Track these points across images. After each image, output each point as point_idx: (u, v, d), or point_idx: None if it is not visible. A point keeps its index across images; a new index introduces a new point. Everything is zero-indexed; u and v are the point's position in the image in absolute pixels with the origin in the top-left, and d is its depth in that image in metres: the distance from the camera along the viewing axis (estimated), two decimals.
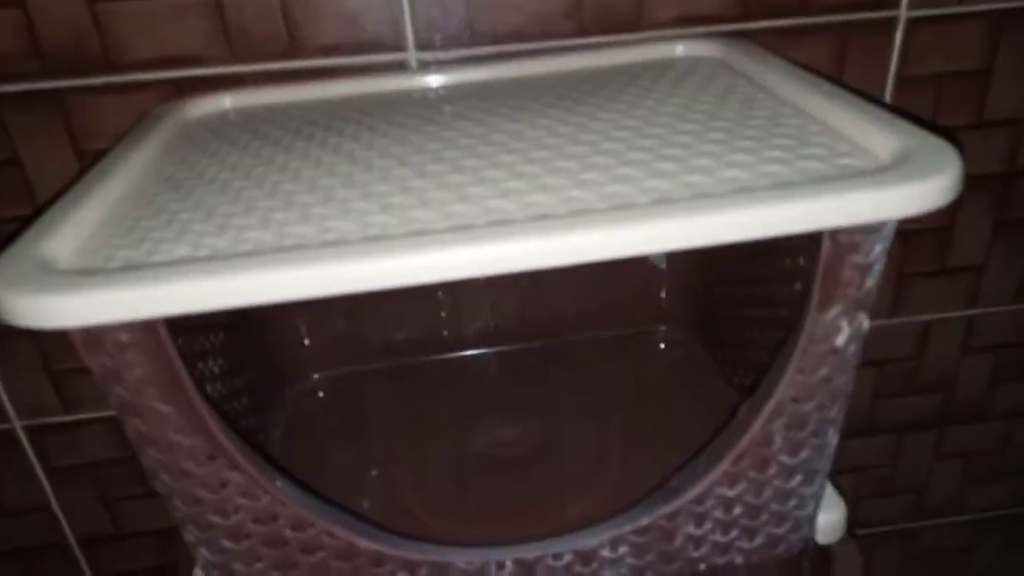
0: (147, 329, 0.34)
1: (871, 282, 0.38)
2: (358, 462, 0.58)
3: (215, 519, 0.40)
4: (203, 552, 0.42)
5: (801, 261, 0.49)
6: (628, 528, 0.43)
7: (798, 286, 0.49)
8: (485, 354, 0.69)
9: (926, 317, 0.79)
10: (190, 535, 0.42)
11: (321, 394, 0.66)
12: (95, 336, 0.34)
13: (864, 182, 0.34)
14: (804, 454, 0.43)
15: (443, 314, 0.68)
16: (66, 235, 0.36)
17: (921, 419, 0.86)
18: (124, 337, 0.34)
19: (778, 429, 0.42)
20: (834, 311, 0.38)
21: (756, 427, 0.41)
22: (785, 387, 0.40)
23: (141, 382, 0.36)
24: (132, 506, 0.79)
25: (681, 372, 0.64)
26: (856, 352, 0.41)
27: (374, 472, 0.57)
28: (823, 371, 0.40)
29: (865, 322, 0.39)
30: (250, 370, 0.59)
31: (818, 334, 0.39)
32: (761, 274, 0.55)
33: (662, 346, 0.68)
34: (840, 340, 0.39)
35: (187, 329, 0.48)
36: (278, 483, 0.39)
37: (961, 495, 0.94)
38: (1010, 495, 0.95)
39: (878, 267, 0.38)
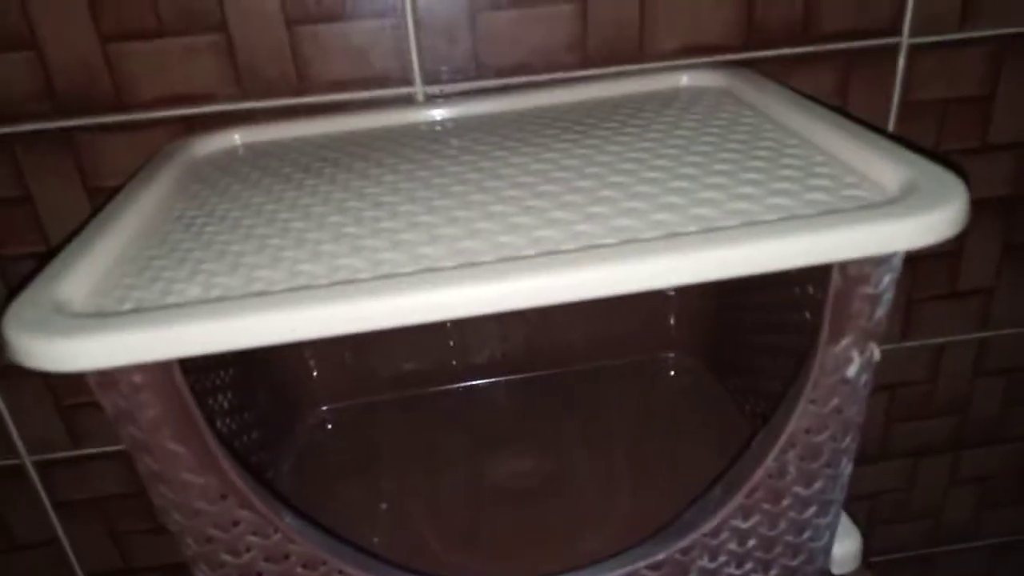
0: (161, 370, 0.34)
1: (881, 312, 0.38)
2: (369, 495, 0.58)
3: (226, 557, 0.40)
4: None
5: (810, 290, 0.49)
6: (643, 563, 0.43)
7: (808, 315, 0.49)
8: (494, 384, 0.69)
9: (938, 340, 0.78)
10: (201, 573, 0.41)
11: (330, 427, 0.66)
12: (109, 377, 0.34)
13: (872, 215, 0.34)
14: (818, 485, 0.43)
15: (451, 344, 0.68)
16: (80, 276, 0.37)
17: (936, 443, 0.86)
18: (138, 378, 0.34)
19: (791, 461, 0.42)
20: (845, 342, 0.38)
21: (770, 459, 0.41)
22: (797, 419, 0.40)
23: (154, 422, 0.36)
24: (141, 541, 0.79)
25: (691, 400, 0.64)
26: (868, 382, 0.41)
27: (384, 506, 0.56)
28: (835, 402, 0.40)
29: (876, 352, 0.39)
30: (259, 404, 0.59)
31: (829, 365, 0.39)
32: (770, 302, 0.55)
33: (672, 373, 0.67)
34: (851, 371, 0.39)
35: (197, 367, 0.48)
36: (288, 521, 0.39)
37: (978, 520, 0.93)
38: None
39: (887, 297, 0.38)
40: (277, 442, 0.61)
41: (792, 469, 0.42)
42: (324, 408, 0.68)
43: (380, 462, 0.61)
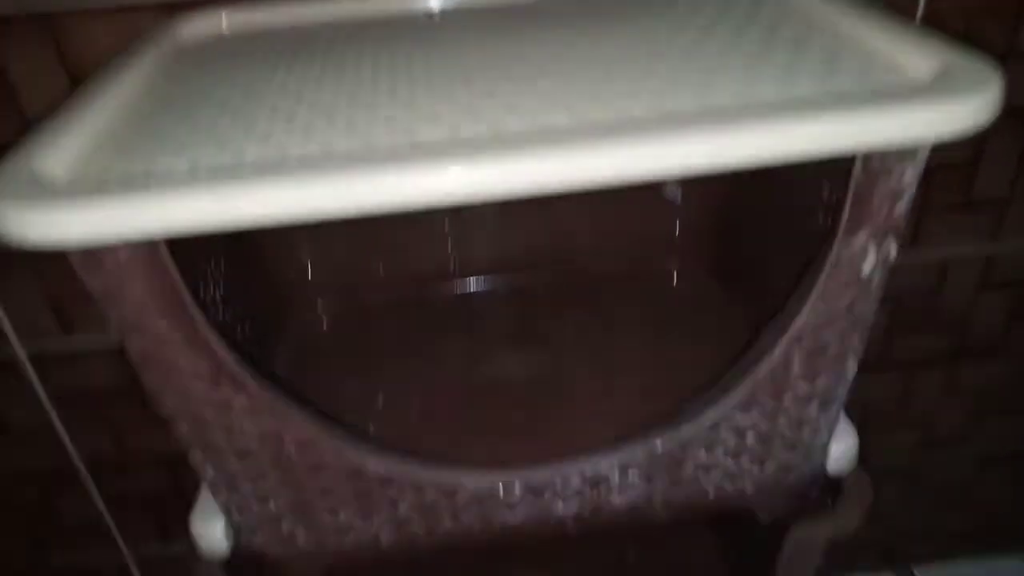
0: (147, 249, 0.33)
1: (901, 208, 0.37)
2: (364, 390, 0.57)
3: (220, 440, 0.40)
4: (209, 471, 0.42)
5: (825, 193, 0.47)
6: (639, 454, 0.42)
7: (820, 219, 0.47)
8: (493, 286, 0.68)
9: (946, 252, 0.77)
10: (196, 456, 0.41)
11: (325, 324, 0.65)
12: (94, 257, 0.33)
13: (902, 100, 0.32)
14: (822, 382, 0.43)
15: (450, 244, 0.66)
16: (62, 151, 0.34)
17: (934, 356, 0.86)
18: (123, 256, 0.33)
19: (797, 356, 0.41)
20: (862, 237, 0.37)
21: (775, 353, 0.40)
22: (807, 314, 0.39)
23: (142, 303, 0.34)
24: (137, 432, 0.79)
25: (694, 306, 0.63)
26: (881, 280, 0.40)
27: (381, 400, 0.56)
28: (847, 298, 0.39)
29: (893, 249, 0.38)
30: (252, 298, 0.58)
31: (844, 260, 0.37)
32: (781, 207, 0.53)
33: (675, 281, 0.66)
34: (867, 267, 0.38)
35: (187, 254, 0.47)
36: (282, 404, 0.38)
37: (968, 432, 0.94)
38: (1018, 433, 0.95)
39: (909, 193, 0.37)
40: (271, 337, 0.61)
41: (797, 364, 0.41)
42: (319, 306, 0.67)
43: (376, 359, 0.60)
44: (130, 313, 0.35)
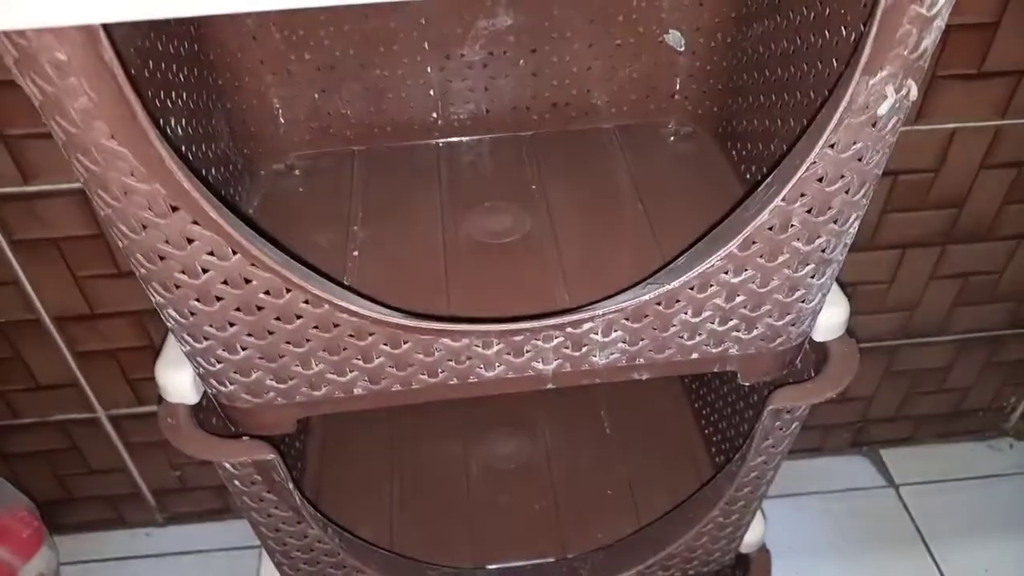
0: (85, 42, 0.29)
1: (927, 43, 0.33)
2: (338, 242, 0.54)
3: (182, 278, 0.37)
4: (172, 314, 0.40)
5: (837, 41, 0.43)
6: (626, 305, 0.40)
7: (835, 63, 0.44)
8: (478, 141, 0.64)
9: (952, 125, 0.74)
10: (157, 296, 0.39)
11: (298, 172, 0.61)
12: (28, 53, 0.29)
13: None
14: (820, 241, 0.40)
15: (432, 94, 0.62)
16: None
17: (926, 236, 0.84)
18: (61, 54, 0.29)
19: (797, 211, 0.38)
20: (882, 74, 0.33)
21: (775, 208, 0.38)
22: (812, 163, 0.36)
23: (88, 114, 0.31)
24: (105, 285, 0.77)
25: (690, 165, 0.60)
26: (895, 128, 0.37)
27: (355, 252, 0.54)
28: (857, 146, 0.36)
29: (913, 91, 0.35)
30: (219, 140, 0.54)
31: (859, 101, 0.34)
32: (792, 53, 0.49)
33: (672, 139, 0.63)
34: (883, 109, 0.34)
35: (144, 80, 0.43)
36: (249, 242, 0.36)
37: (950, 316, 0.94)
38: (998, 318, 0.95)
39: (938, 24, 0.33)
40: (240, 183, 0.57)
41: (797, 221, 0.39)
42: (292, 156, 0.63)
43: (351, 211, 0.57)
44: (76, 127, 0.31)
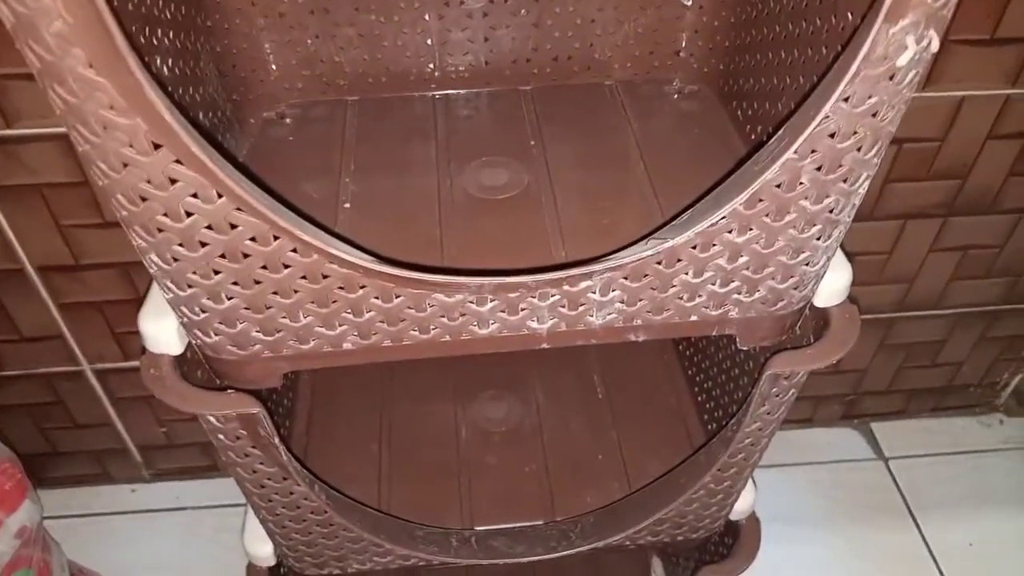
0: None
1: None
2: (329, 193, 0.53)
3: (164, 221, 0.35)
4: (154, 260, 0.38)
5: None
6: (626, 261, 0.39)
7: (849, 16, 0.42)
8: (475, 93, 0.62)
9: (960, 93, 0.72)
10: (139, 240, 0.37)
11: (289, 121, 0.59)
12: None
13: None
14: (828, 201, 0.39)
15: (430, 43, 0.60)
16: None
17: (928, 207, 0.83)
18: None
19: (807, 168, 0.37)
20: (904, 22, 0.32)
21: (784, 164, 0.36)
22: (825, 117, 0.35)
23: (63, 39, 0.29)
24: (90, 235, 0.75)
25: (694, 125, 0.58)
26: (912, 84, 0.35)
27: (347, 204, 0.52)
28: (872, 100, 0.34)
29: (934, 42, 0.33)
30: (207, 84, 0.52)
31: (878, 51, 0.33)
32: (804, 7, 0.47)
33: (675, 97, 0.61)
34: (902, 60, 0.33)
35: (127, 14, 0.41)
36: (236, 185, 0.34)
37: (947, 290, 0.94)
38: (995, 292, 0.95)
39: None
40: (228, 130, 0.55)
41: (805, 179, 0.37)
42: (284, 104, 0.61)
43: (343, 162, 0.55)
44: (50, 53, 0.29)
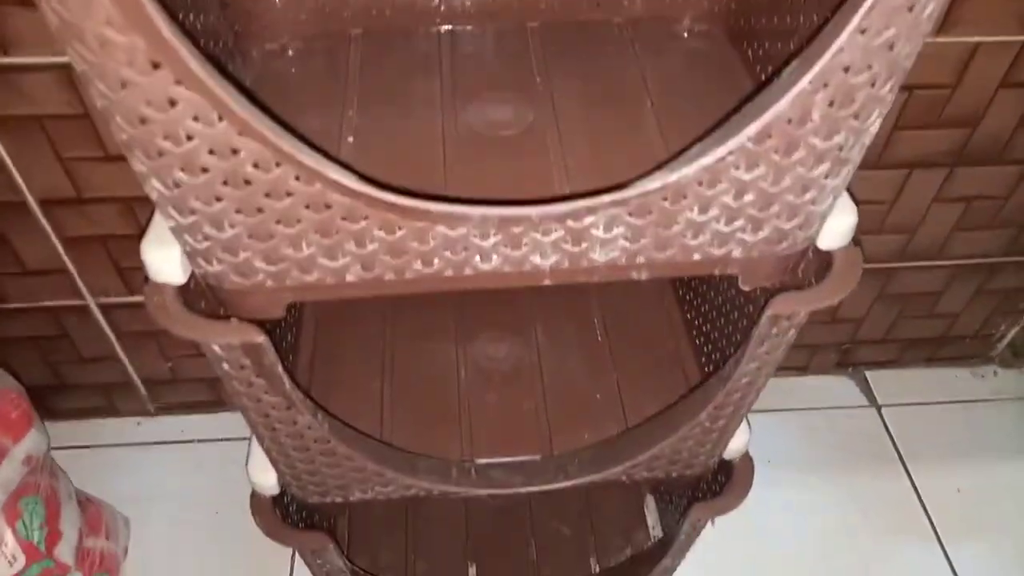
0: None
1: None
2: (332, 127, 0.52)
3: (165, 145, 0.35)
4: (156, 186, 0.38)
5: None
6: (631, 194, 0.39)
7: None
8: (482, 30, 0.61)
9: (975, 39, 0.71)
10: (139, 164, 0.37)
11: (291, 53, 0.58)
12: None
13: None
14: (839, 138, 0.39)
15: None
16: None
17: (936, 155, 0.82)
18: None
19: (819, 103, 0.36)
20: None
21: (794, 97, 0.36)
22: (839, 49, 0.34)
23: None
24: (92, 168, 0.74)
25: (703, 65, 0.57)
26: (931, 16, 0.34)
27: (350, 139, 0.51)
28: (890, 32, 0.34)
29: None
30: (208, 12, 0.51)
31: None
32: None
33: (685, 36, 0.60)
34: None
35: None
36: (237, 105, 0.33)
37: (948, 241, 0.93)
38: (996, 244, 0.95)
39: None
40: (231, 61, 0.54)
41: (816, 114, 0.37)
42: (286, 36, 0.60)
43: (346, 96, 0.55)
44: None
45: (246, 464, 0.64)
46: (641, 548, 0.91)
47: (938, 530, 0.97)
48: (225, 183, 0.37)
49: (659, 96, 0.54)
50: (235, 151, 0.36)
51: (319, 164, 0.36)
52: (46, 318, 0.90)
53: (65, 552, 0.80)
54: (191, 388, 1.02)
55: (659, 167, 0.39)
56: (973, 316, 1.06)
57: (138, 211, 0.79)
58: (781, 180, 0.40)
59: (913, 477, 1.03)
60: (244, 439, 0.62)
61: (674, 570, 0.85)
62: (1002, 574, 0.94)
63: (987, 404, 1.11)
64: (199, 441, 1.02)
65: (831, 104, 0.37)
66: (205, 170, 0.37)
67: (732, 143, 0.37)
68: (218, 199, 0.38)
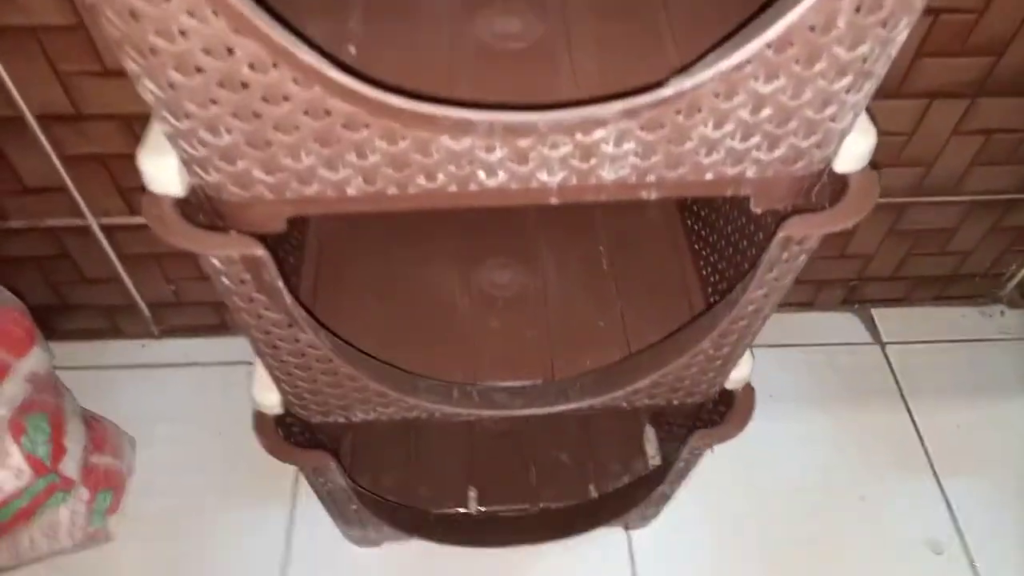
0: None
1: None
2: (333, 37, 0.50)
3: (158, 42, 0.34)
4: (149, 86, 0.36)
5: None
6: (642, 102, 0.37)
7: None
8: None
9: None
10: (132, 63, 0.35)
11: None
12: None
13: None
14: (864, 49, 0.37)
15: None
16: None
17: (958, 85, 0.79)
18: None
19: (845, 8, 0.34)
20: None
21: (816, 2, 0.34)
22: None
23: None
24: (88, 83, 0.73)
25: None
26: None
27: (352, 50, 0.49)
28: None
29: None
30: None
31: None
32: None
33: None
34: None
35: None
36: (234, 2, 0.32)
37: (965, 175, 0.91)
38: (1013, 180, 0.93)
39: None
40: None
41: (842, 21, 0.35)
42: None
43: (349, 3, 0.52)
44: None
45: (250, 386, 0.64)
46: (639, 475, 0.92)
47: (934, 464, 0.98)
48: (221, 85, 0.36)
49: (675, 7, 0.52)
50: (230, 50, 0.34)
51: (317, 64, 0.35)
52: (47, 238, 0.89)
53: (70, 467, 0.81)
54: (195, 311, 1.02)
55: (673, 74, 0.37)
56: (984, 255, 1.05)
57: (138, 129, 0.77)
58: (801, 93, 0.39)
59: (913, 413, 1.03)
60: (248, 363, 0.62)
61: (671, 497, 0.86)
62: (997, 508, 0.95)
63: (992, 343, 1.11)
64: (203, 365, 1.03)
65: (858, 10, 0.35)
66: (200, 70, 0.35)
67: (751, 48, 0.35)
68: (214, 102, 0.37)
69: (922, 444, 1.00)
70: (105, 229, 0.89)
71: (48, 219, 0.87)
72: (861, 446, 1.00)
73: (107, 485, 0.87)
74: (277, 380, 0.60)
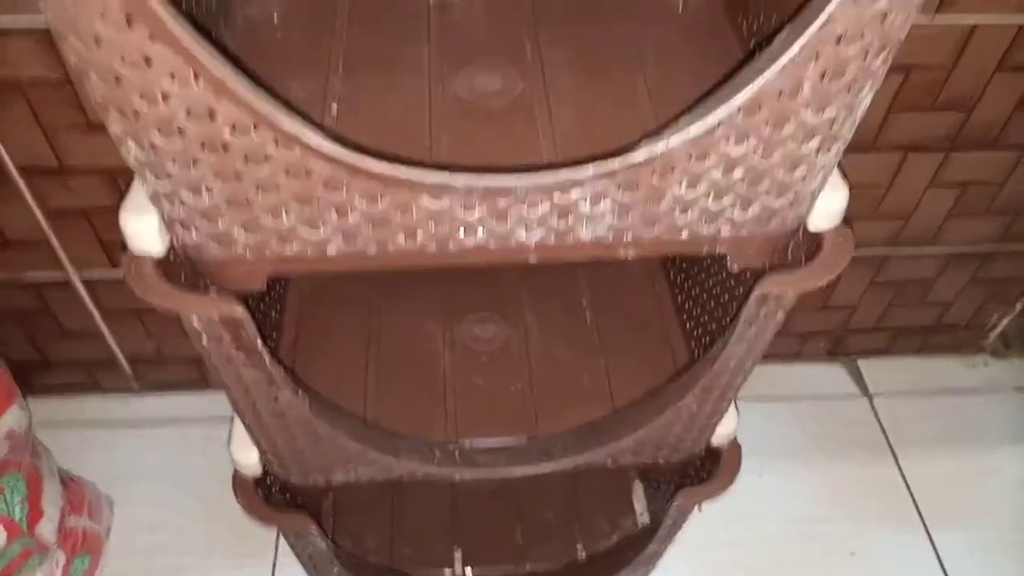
0: None
1: None
2: (315, 94, 0.51)
3: (141, 105, 0.34)
4: (132, 148, 0.37)
5: None
6: (619, 166, 0.38)
7: None
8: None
9: (972, 20, 0.70)
10: (115, 125, 0.36)
11: (275, 17, 0.57)
12: None
13: None
14: (830, 112, 0.38)
15: None
16: None
17: (931, 140, 0.81)
18: None
19: (810, 75, 0.36)
20: None
21: (785, 68, 0.35)
22: (829, 17, 0.33)
23: None
24: (74, 138, 0.73)
25: (698, 39, 0.56)
26: None
27: (334, 106, 0.50)
28: (882, 2, 0.33)
29: None
30: None
31: None
32: None
33: (680, 9, 0.59)
34: None
35: None
36: (212, 62, 0.32)
37: (942, 228, 0.93)
38: (990, 232, 0.94)
39: None
40: (213, 26, 0.53)
41: (807, 87, 0.36)
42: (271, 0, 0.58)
43: (331, 61, 0.53)
44: None
45: (229, 442, 0.64)
46: (628, 534, 0.91)
47: (924, 517, 0.98)
48: (202, 146, 0.36)
49: (651, 68, 0.53)
50: (212, 113, 0.35)
51: (297, 128, 0.35)
52: (28, 292, 0.88)
53: (47, 530, 0.79)
54: (176, 366, 1.01)
55: (646, 137, 0.38)
56: (965, 305, 1.06)
57: (122, 184, 0.77)
58: (771, 155, 0.40)
59: (901, 464, 1.03)
60: (228, 418, 0.62)
61: (660, 555, 0.85)
62: (987, 561, 0.94)
63: (978, 394, 1.11)
64: (184, 420, 1.01)
65: (823, 76, 0.36)
66: (182, 132, 0.36)
67: (721, 113, 0.36)
68: (195, 163, 0.37)
69: (911, 497, 0.99)
70: (86, 283, 0.88)
71: (29, 272, 0.87)
72: (850, 499, 0.99)
73: (84, 549, 0.85)
74: (256, 439, 0.59)
